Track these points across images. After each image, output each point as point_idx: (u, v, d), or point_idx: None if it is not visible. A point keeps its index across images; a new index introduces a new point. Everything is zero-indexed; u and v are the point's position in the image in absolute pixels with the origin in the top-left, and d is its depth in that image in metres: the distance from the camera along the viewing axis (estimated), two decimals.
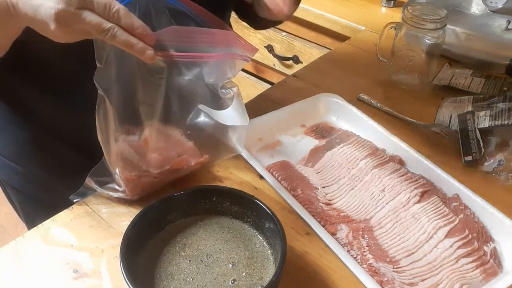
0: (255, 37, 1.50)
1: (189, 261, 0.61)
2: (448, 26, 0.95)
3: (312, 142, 0.85)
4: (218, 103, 0.68)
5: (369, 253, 0.65)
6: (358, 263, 0.64)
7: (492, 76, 1.01)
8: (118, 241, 0.59)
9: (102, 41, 0.57)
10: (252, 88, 1.61)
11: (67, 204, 0.71)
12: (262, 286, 0.58)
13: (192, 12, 0.65)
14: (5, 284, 0.62)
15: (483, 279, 0.63)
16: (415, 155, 0.79)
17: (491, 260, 0.65)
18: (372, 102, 0.94)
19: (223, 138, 0.71)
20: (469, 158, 0.81)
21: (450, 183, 0.75)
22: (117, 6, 0.54)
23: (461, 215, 0.70)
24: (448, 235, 0.67)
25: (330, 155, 0.80)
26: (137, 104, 0.65)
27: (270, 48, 1.48)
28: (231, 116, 0.67)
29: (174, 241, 0.63)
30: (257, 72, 1.65)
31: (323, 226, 0.69)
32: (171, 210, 0.65)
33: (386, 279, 0.62)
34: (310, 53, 1.39)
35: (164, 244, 0.63)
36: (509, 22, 1.06)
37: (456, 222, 0.68)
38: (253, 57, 0.66)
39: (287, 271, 0.59)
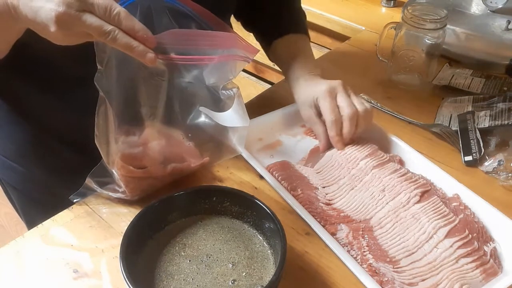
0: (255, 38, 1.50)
1: (189, 261, 0.61)
2: (448, 26, 0.95)
3: (312, 142, 0.85)
4: (218, 105, 0.68)
5: (369, 253, 0.65)
6: (358, 263, 0.64)
7: (492, 76, 1.01)
8: (118, 241, 0.59)
9: (103, 44, 0.57)
10: (252, 88, 1.62)
11: (67, 204, 0.71)
12: (262, 286, 0.58)
13: (192, 12, 0.65)
14: (5, 284, 0.62)
15: (483, 279, 0.63)
16: (415, 155, 0.79)
17: (491, 260, 0.65)
18: (372, 102, 0.94)
19: (224, 139, 0.71)
20: (469, 158, 0.81)
21: (450, 183, 0.75)
22: (118, 8, 0.53)
23: (461, 215, 0.70)
24: (448, 235, 0.67)
25: (330, 155, 0.80)
26: (137, 106, 0.65)
27: None
28: (231, 117, 0.67)
29: (174, 241, 0.63)
30: (257, 72, 1.65)
31: (323, 226, 0.69)
32: (171, 210, 0.65)
33: (386, 279, 0.62)
34: None
35: (164, 244, 0.63)
36: (509, 22, 1.06)
37: (456, 222, 0.68)
38: (253, 57, 0.66)
39: (287, 271, 0.59)
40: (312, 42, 1.39)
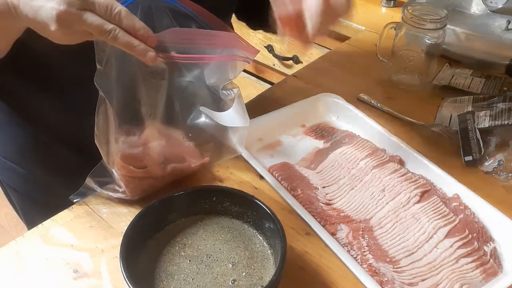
0: (255, 37, 1.50)
1: (189, 261, 0.61)
2: (448, 26, 0.95)
3: (312, 142, 0.85)
4: (219, 104, 0.68)
5: (369, 253, 0.65)
6: (358, 263, 0.64)
7: (492, 76, 1.01)
8: (118, 241, 0.59)
9: (102, 43, 0.57)
10: (252, 88, 1.61)
11: (67, 204, 0.71)
12: (262, 286, 0.58)
13: (193, 12, 0.65)
14: (5, 284, 0.62)
15: (483, 279, 0.63)
16: (415, 155, 0.79)
17: (491, 260, 0.65)
18: (372, 102, 0.94)
19: (224, 139, 0.71)
20: (469, 158, 0.81)
21: (450, 183, 0.75)
22: (119, 7, 0.53)
23: (461, 215, 0.70)
24: (448, 235, 0.67)
25: (333, 156, 0.79)
26: (138, 106, 0.65)
27: (270, 48, 1.48)
28: (231, 117, 0.67)
29: (174, 241, 0.63)
30: (257, 72, 1.65)
31: (323, 226, 0.69)
32: (171, 210, 0.65)
33: (386, 279, 0.62)
34: (310, 53, 1.39)
35: (164, 244, 0.63)
36: (509, 22, 1.06)
37: (456, 222, 0.68)
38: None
39: (287, 271, 0.59)
40: None
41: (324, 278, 0.63)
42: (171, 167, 0.71)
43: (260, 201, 0.63)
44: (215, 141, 0.72)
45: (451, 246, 0.65)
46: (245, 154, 0.78)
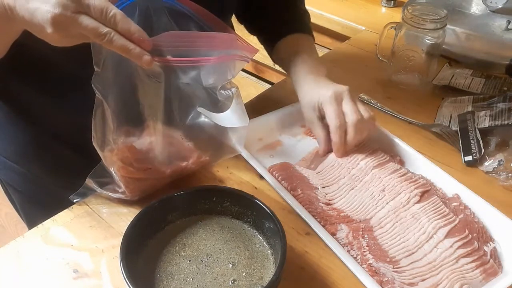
0: (255, 37, 1.50)
1: (189, 261, 0.61)
2: (448, 26, 0.95)
3: (312, 142, 0.85)
4: (217, 105, 0.67)
5: (369, 253, 0.65)
6: (358, 263, 0.64)
7: (492, 76, 1.01)
8: (118, 241, 0.59)
9: (99, 45, 0.57)
10: (252, 88, 1.62)
11: (67, 204, 0.71)
12: (262, 286, 0.58)
13: (191, 12, 0.64)
14: (5, 284, 0.63)
15: (483, 279, 0.63)
16: (415, 155, 0.79)
17: (491, 260, 0.65)
18: (372, 102, 0.94)
19: (223, 138, 0.71)
20: (469, 158, 0.81)
21: (450, 183, 0.75)
22: (114, 10, 0.53)
23: (461, 215, 0.70)
24: (448, 235, 0.67)
25: (333, 157, 0.79)
26: (135, 107, 0.65)
27: None
28: (230, 118, 0.67)
29: (174, 241, 0.63)
30: (257, 72, 1.65)
31: (323, 226, 0.69)
32: (171, 210, 0.65)
33: (386, 279, 0.62)
34: None
35: (164, 244, 0.63)
36: (509, 22, 1.06)
37: (456, 222, 0.68)
38: (253, 57, 0.66)
39: (287, 271, 0.59)
40: None
41: (324, 278, 0.63)
42: (171, 167, 0.71)
43: (260, 201, 0.63)
44: (214, 141, 0.72)
45: (451, 246, 0.65)
46: (245, 154, 0.78)
